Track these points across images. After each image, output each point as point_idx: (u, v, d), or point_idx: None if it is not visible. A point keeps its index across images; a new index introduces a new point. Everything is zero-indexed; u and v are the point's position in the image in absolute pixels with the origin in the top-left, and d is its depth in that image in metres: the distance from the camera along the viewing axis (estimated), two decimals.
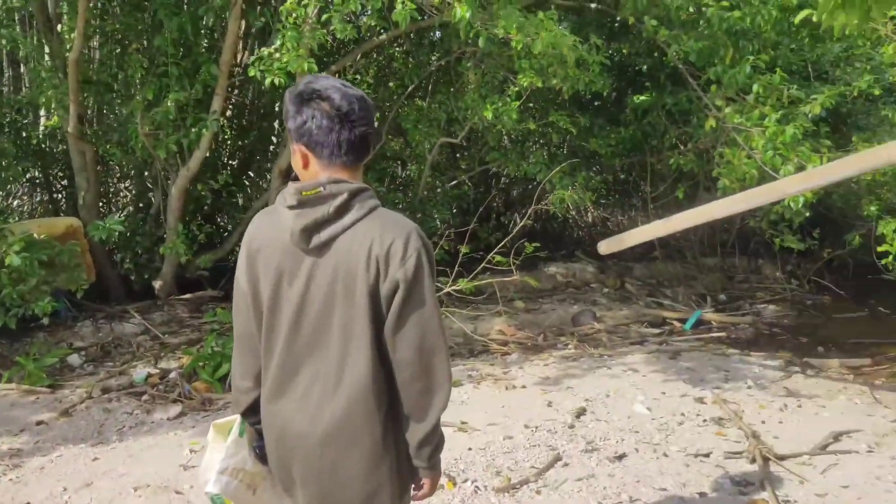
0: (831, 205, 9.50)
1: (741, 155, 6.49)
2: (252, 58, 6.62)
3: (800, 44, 8.34)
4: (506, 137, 9.97)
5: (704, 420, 5.79)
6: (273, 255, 2.04)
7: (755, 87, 6.38)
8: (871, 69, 8.58)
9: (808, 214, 7.28)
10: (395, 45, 9.97)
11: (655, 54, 8.97)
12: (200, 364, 6.46)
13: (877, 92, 8.44)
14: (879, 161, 4.36)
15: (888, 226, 7.32)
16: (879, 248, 7.59)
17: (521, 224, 7.60)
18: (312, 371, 2.05)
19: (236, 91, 9.75)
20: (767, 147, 6.12)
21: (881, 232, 7.39)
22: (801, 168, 5.97)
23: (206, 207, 9.82)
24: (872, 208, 7.57)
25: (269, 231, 2.06)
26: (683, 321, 8.92)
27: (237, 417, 2.22)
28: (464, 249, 7.22)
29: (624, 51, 9.32)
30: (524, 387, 6.55)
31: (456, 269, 7.29)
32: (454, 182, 10.83)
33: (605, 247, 6.13)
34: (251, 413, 2.23)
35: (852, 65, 8.78)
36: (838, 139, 8.16)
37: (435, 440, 2.07)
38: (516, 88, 7.33)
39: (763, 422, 5.79)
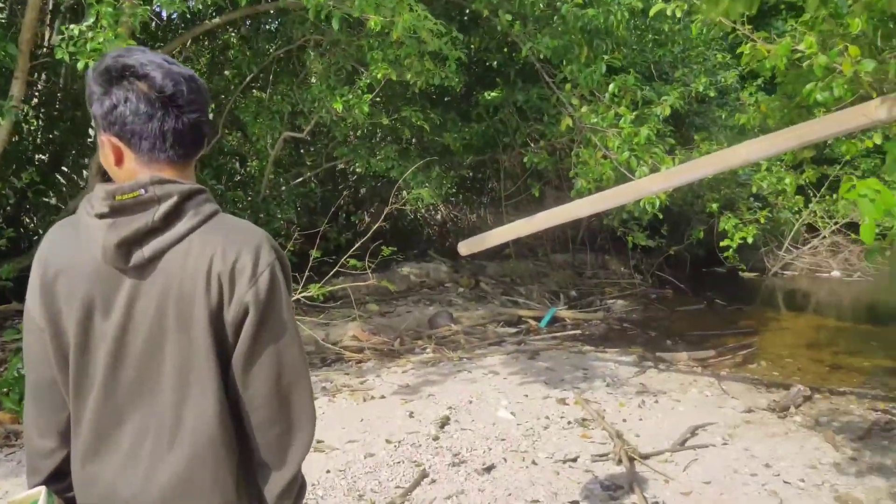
0: (672, 201, 9.91)
1: (597, 155, 6.49)
2: (59, 37, 5.67)
3: (643, 46, 8.57)
4: (352, 133, 9.49)
5: (569, 422, 5.68)
6: (79, 279, 1.59)
7: (611, 88, 6.39)
8: (705, 71, 8.99)
9: (661, 216, 7.47)
10: (231, 30, 9.16)
11: (505, 50, 8.87)
12: (3, 390, 5.48)
13: (711, 94, 8.85)
14: (737, 160, 4.38)
15: (729, 221, 7.66)
16: (722, 243, 7.95)
17: (378, 226, 7.15)
18: (140, 422, 1.61)
19: (44, 75, 8.51)
20: (623, 148, 6.13)
21: (723, 227, 7.72)
22: (655, 169, 6.04)
23: (8, 208, 8.50)
24: (714, 205, 7.91)
25: (71, 248, 1.62)
26: (539, 319, 8.92)
27: (41, 490, 1.69)
28: (315, 254, 6.66)
29: (473, 45, 9.15)
30: (383, 397, 6.14)
31: (306, 273, 6.73)
32: (299, 179, 10.18)
33: (466, 248, 5.85)
34: (57, 479, 1.72)
35: (689, 66, 9.18)
36: (678, 138, 8.46)
37: (296, 489, 1.68)
38: (367, 80, 6.89)
39: (624, 420, 5.78)
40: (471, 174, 11.61)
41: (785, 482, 4.74)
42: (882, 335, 9.28)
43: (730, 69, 9.97)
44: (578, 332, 8.61)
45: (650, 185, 4.75)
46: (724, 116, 9.80)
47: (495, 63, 9.06)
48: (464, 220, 12.74)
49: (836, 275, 12.82)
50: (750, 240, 7.73)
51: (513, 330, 8.63)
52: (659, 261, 11.31)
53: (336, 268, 6.76)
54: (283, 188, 9.86)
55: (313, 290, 6.34)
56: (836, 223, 13.87)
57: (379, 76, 6.40)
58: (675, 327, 9.18)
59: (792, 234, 12.79)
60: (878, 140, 4.50)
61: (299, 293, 6.41)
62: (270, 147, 8.48)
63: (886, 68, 3.96)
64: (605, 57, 6.17)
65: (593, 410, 5.88)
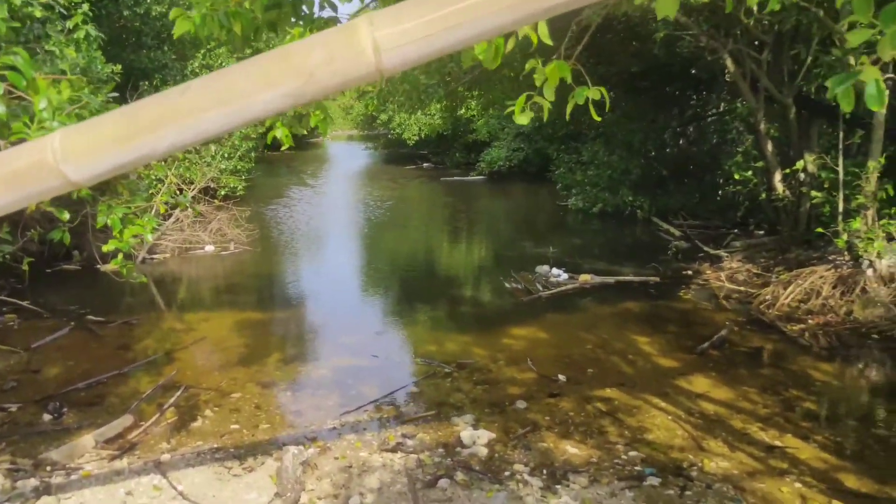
0: None
1: None
2: None
3: None
4: None
5: None
6: None
7: None
8: None
9: None
10: None
11: None
12: None
13: (37, 13, 5.53)
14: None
15: (113, 212, 4.73)
16: (105, 247, 4.97)
17: None
18: None
19: None
20: None
21: (103, 222, 4.74)
22: None
23: None
24: (84, 189, 4.78)
25: None
26: None
27: None
28: None
29: None
30: None
31: None
32: None
33: None
34: None
35: None
36: None
37: None
38: None
39: None
40: None
41: None
42: (296, 318, 7.87)
43: None
44: None
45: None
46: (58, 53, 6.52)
47: None
48: None
49: (211, 249, 10.97)
50: (149, 236, 5.01)
51: None
52: None
53: None
54: None
55: None
56: (195, 189, 12.01)
57: None
58: (45, 381, 5.68)
59: (154, 208, 10.27)
60: None
61: None
62: None
63: None
64: None
65: None
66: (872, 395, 5.66)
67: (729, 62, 9.37)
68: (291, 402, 5.29)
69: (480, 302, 8.62)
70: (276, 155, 32.64)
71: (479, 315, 7.92)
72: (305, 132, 3.55)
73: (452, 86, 11.09)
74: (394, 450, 4.41)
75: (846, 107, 1.84)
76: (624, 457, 4.30)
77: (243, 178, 15.37)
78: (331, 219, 15.43)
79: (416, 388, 5.55)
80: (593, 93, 2.32)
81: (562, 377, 5.66)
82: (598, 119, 2.46)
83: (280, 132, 3.41)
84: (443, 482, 3.98)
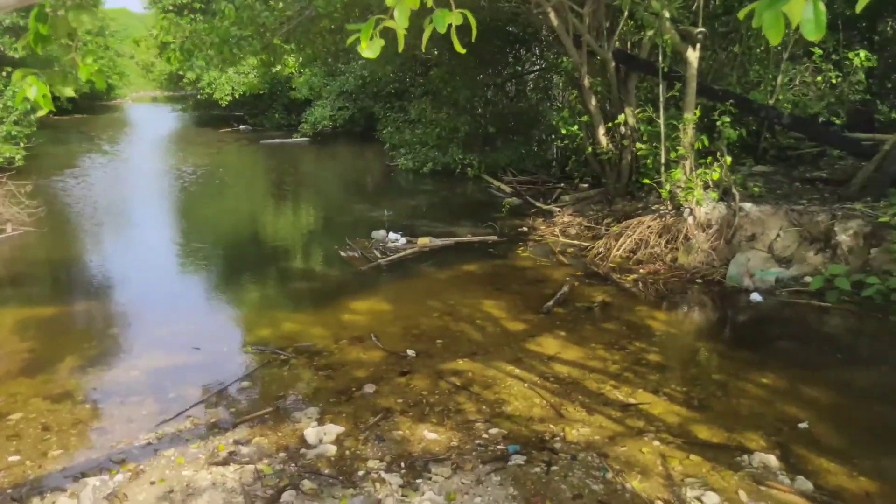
0: None
1: None
2: None
3: None
4: None
5: None
6: None
7: None
8: None
9: None
10: None
11: None
12: None
13: None
14: None
15: None
16: None
17: None
18: None
19: None
20: None
21: None
22: None
23: None
24: None
25: None
26: None
27: None
28: None
29: None
30: None
31: None
32: None
33: None
34: None
35: None
36: None
37: None
38: None
39: None
40: None
41: None
42: (98, 310, 6.82)
43: None
44: None
45: None
46: None
47: None
48: None
49: None
50: None
51: None
52: None
53: None
54: None
55: None
56: None
57: None
58: None
59: None
60: None
61: None
62: None
63: None
64: None
65: None
66: (703, 340, 5.83)
67: (552, 16, 9.30)
68: (92, 418, 4.42)
69: (315, 275, 8.00)
70: (64, 119, 28.70)
71: (315, 290, 7.31)
72: (73, 93, 2.49)
73: (268, 38, 10.12)
74: (225, 462, 3.78)
75: (774, 39, 1.51)
76: (485, 436, 3.99)
77: (21, 145, 13.34)
78: (136, 190, 13.85)
79: (249, 381, 4.89)
80: (455, 17, 1.85)
81: (410, 352, 5.27)
82: (463, 52, 2.03)
83: (34, 91, 2.27)
84: (287, 495, 3.44)
